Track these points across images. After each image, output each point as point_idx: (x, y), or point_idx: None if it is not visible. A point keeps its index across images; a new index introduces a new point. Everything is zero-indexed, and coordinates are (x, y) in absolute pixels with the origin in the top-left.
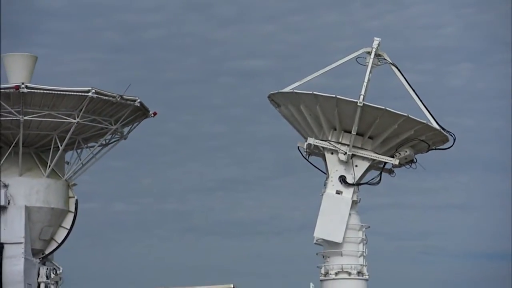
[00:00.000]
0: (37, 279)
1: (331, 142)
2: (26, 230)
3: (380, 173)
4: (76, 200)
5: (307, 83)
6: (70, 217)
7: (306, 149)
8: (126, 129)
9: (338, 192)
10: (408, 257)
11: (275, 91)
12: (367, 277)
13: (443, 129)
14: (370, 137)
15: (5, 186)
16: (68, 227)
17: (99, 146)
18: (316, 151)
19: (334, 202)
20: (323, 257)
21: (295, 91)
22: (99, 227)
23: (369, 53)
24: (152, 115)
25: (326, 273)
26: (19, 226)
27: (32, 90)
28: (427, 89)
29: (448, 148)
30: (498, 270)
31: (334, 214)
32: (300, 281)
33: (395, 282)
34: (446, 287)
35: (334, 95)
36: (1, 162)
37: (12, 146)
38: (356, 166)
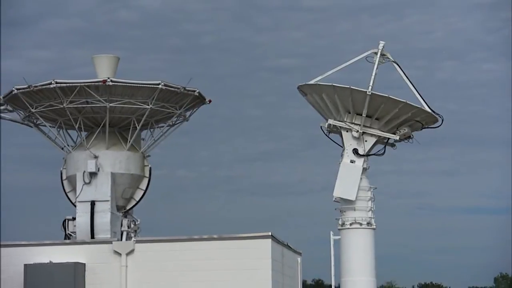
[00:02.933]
0: (120, 228)
1: (346, 122)
2: (112, 191)
3: (385, 147)
4: (150, 168)
5: (328, 77)
6: (145, 181)
7: (327, 128)
8: (188, 113)
9: (352, 161)
10: (406, 211)
11: (303, 83)
12: (374, 227)
13: (434, 112)
14: (376, 119)
15: (96, 157)
16: (144, 188)
17: (167, 126)
18: (335, 130)
19: (349, 169)
20: (340, 211)
21: (318, 83)
22: (167, 189)
23: (375, 53)
24: (208, 102)
25: (343, 224)
26: (106, 188)
27: (116, 83)
28: (421, 81)
29: (438, 126)
30: (476, 221)
31: (349, 178)
32: (322, 229)
33: (396, 230)
34: (435, 234)
35: (348, 86)
36: (93, 139)
37: (100, 126)
38: (366, 141)
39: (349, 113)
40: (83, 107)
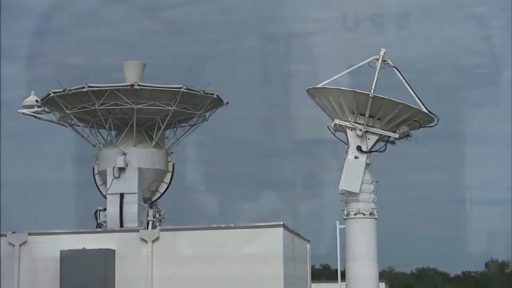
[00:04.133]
0: (147, 218)
1: (351, 122)
2: (138, 184)
3: (385, 144)
4: (173, 164)
5: (334, 81)
6: (169, 175)
7: (333, 127)
8: (207, 114)
9: (356, 157)
10: (405, 203)
11: (311, 87)
12: (376, 216)
13: (430, 112)
14: (378, 118)
15: (124, 153)
16: (168, 182)
17: (188, 126)
18: (341, 129)
19: (353, 164)
20: (345, 202)
21: (325, 86)
22: (188, 182)
23: (377, 59)
24: (225, 104)
25: (348, 214)
26: (134, 181)
27: (142, 87)
28: (418, 84)
29: (434, 126)
30: (469, 211)
31: (353, 173)
32: (329, 219)
33: (395, 219)
34: (431, 223)
35: (353, 89)
36: (121, 137)
37: (128, 126)
38: (369, 139)
39: (353, 113)
40: (113, 108)
